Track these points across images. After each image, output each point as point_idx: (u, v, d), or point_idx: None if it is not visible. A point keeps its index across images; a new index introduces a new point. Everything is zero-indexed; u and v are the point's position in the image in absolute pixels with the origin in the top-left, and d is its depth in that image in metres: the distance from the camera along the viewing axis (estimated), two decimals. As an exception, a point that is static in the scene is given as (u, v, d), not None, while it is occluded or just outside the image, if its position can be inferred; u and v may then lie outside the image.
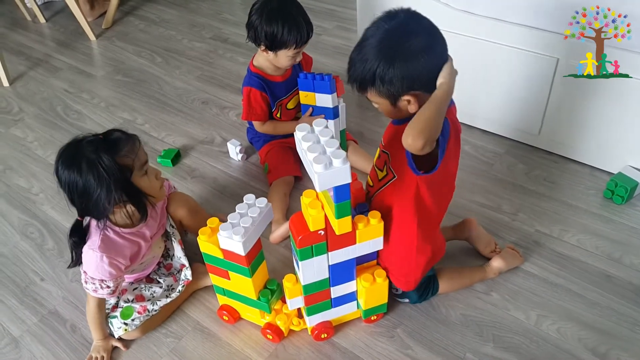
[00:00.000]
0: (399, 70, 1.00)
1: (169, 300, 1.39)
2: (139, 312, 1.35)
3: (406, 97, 1.04)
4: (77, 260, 1.28)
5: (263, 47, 1.59)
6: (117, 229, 1.28)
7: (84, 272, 1.27)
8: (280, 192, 1.67)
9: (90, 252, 1.24)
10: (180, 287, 1.42)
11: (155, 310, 1.37)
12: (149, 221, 1.33)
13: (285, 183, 1.70)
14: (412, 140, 0.96)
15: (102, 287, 1.27)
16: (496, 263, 1.41)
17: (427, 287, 1.35)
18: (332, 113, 1.66)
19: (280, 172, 1.72)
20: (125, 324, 1.34)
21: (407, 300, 1.37)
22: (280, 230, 1.55)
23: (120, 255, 1.27)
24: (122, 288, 1.40)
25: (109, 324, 1.36)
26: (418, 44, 0.99)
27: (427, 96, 1.00)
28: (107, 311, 1.37)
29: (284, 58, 1.60)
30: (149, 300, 1.39)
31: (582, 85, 1.56)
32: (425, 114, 0.97)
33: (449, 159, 1.11)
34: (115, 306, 1.37)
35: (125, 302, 1.38)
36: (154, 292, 1.41)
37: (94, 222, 1.26)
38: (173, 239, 1.45)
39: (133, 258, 1.32)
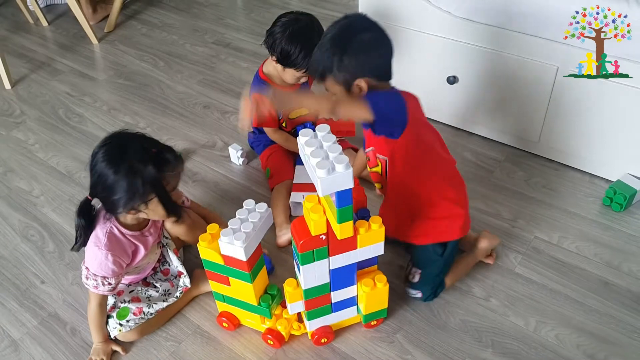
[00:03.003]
0: (351, 58, 1.17)
1: (165, 304, 1.40)
2: (134, 314, 1.36)
3: (357, 83, 1.19)
4: (81, 243, 1.29)
5: (274, 58, 1.62)
6: (122, 229, 1.29)
7: (87, 268, 1.27)
8: (283, 196, 1.67)
9: (96, 250, 1.25)
10: (178, 293, 1.42)
11: (151, 314, 1.38)
12: (151, 229, 1.35)
13: (287, 187, 1.71)
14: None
15: (103, 284, 1.28)
16: (483, 244, 1.45)
17: (438, 284, 1.39)
18: None
19: (282, 176, 1.73)
20: (120, 324, 1.34)
21: (419, 294, 1.38)
22: (289, 234, 1.56)
23: (124, 253, 1.29)
24: (120, 289, 1.40)
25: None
26: (367, 37, 1.18)
27: (376, 82, 1.19)
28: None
29: (290, 75, 1.64)
30: (144, 302, 1.39)
31: (582, 93, 1.57)
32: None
33: (416, 127, 1.23)
34: (113, 307, 1.37)
35: (122, 302, 1.38)
36: (150, 295, 1.41)
37: (102, 213, 1.28)
38: (168, 248, 1.45)
39: (131, 259, 1.33)
